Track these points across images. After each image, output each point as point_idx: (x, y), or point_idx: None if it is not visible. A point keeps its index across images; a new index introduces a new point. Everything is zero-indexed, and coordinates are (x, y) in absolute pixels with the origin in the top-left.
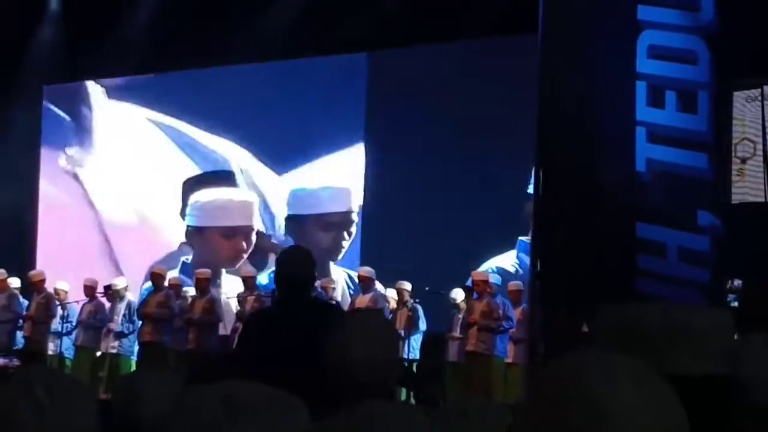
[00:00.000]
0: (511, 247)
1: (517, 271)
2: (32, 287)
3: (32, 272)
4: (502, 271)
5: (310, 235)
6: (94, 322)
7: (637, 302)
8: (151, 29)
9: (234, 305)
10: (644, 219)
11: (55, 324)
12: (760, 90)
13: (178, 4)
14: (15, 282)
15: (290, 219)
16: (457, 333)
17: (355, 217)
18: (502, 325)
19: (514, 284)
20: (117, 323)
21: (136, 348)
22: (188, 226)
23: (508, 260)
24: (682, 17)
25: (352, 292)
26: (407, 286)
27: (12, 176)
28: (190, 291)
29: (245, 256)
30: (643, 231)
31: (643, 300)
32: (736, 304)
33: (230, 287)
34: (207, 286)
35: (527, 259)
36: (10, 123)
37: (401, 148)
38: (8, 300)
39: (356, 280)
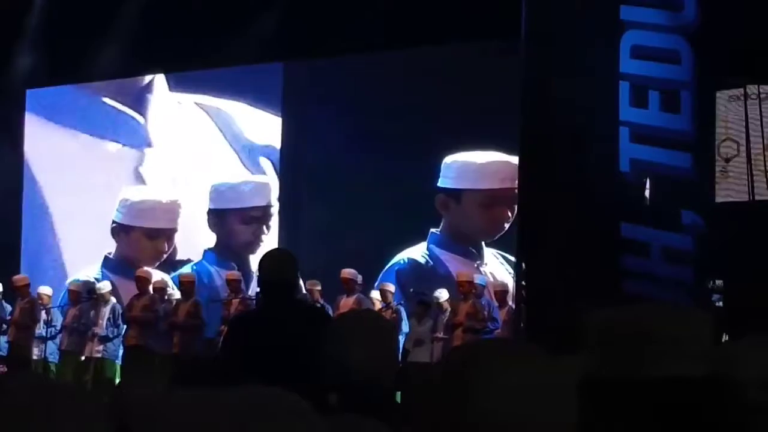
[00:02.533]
0: (423, 239)
1: (427, 262)
2: (16, 292)
3: (16, 277)
4: (413, 262)
5: (231, 229)
6: (79, 327)
7: (621, 304)
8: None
9: None
10: (628, 219)
11: (39, 329)
12: (742, 90)
13: (162, 8)
14: None
15: (212, 213)
16: (441, 334)
17: (273, 210)
18: (488, 326)
19: (499, 285)
20: (101, 327)
21: (121, 352)
22: (114, 221)
23: (418, 251)
24: (664, 17)
25: None
26: (391, 287)
27: None
28: (176, 294)
29: (165, 256)
30: (627, 231)
31: (627, 299)
32: (720, 303)
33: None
34: (192, 289)
35: (437, 251)
36: None
37: (316, 147)
38: None
39: None
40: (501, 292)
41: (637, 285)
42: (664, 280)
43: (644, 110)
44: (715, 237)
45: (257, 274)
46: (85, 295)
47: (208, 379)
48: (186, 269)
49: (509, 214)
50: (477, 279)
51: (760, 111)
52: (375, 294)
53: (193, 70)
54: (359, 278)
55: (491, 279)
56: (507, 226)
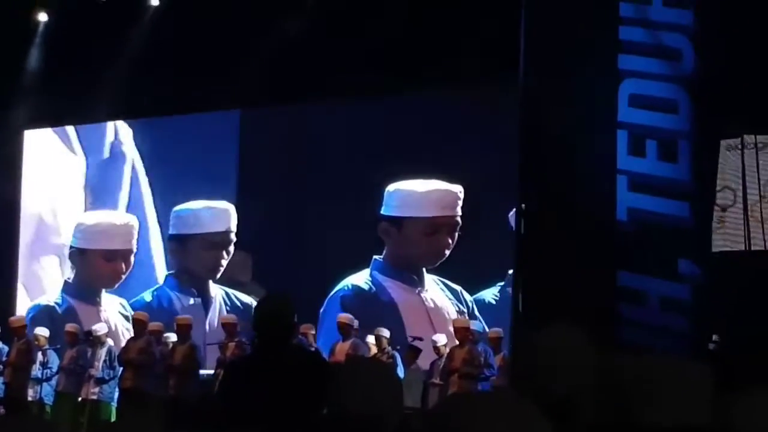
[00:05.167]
0: (366, 266)
1: (370, 288)
2: (13, 333)
3: (13, 318)
4: (357, 289)
5: (191, 255)
6: (76, 368)
7: (617, 353)
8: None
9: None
10: (625, 267)
11: (35, 370)
12: (740, 139)
13: (158, 53)
14: None
15: (172, 239)
16: (438, 380)
17: (233, 236)
18: (484, 373)
19: (494, 331)
20: (98, 369)
21: (117, 394)
22: (71, 246)
23: (362, 278)
24: (663, 66)
25: (228, 308)
26: (386, 333)
27: None
28: (172, 337)
29: (123, 277)
30: (624, 279)
31: (624, 349)
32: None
33: (109, 305)
34: (188, 332)
35: (380, 277)
36: None
37: (273, 178)
38: None
39: (233, 298)
40: (496, 339)
41: (633, 333)
42: (660, 329)
43: (642, 159)
44: (713, 287)
45: (253, 318)
46: (82, 337)
47: (205, 423)
48: (146, 294)
49: (450, 241)
50: (473, 325)
51: (757, 160)
52: (369, 338)
53: (156, 116)
54: (355, 323)
55: (432, 305)
56: (448, 252)
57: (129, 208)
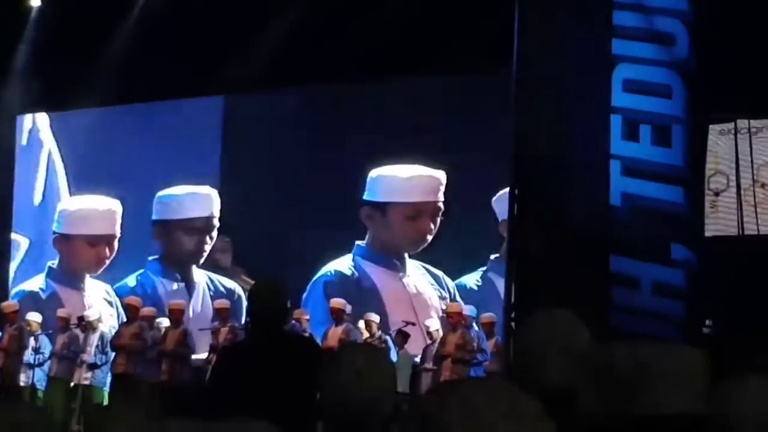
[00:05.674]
0: (349, 251)
1: (353, 273)
2: (5, 319)
3: (5, 303)
4: (339, 274)
5: (174, 240)
6: (68, 354)
7: (610, 339)
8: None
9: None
10: (618, 252)
11: (27, 355)
12: (733, 124)
13: (147, 39)
14: None
15: (156, 224)
16: (430, 365)
17: (216, 221)
18: (477, 358)
19: (487, 316)
20: (90, 354)
21: (109, 379)
22: (54, 232)
23: (344, 263)
24: (656, 51)
25: (212, 293)
26: (375, 318)
27: None
28: (164, 322)
29: (107, 262)
30: (617, 264)
31: (617, 335)
32: (712, 340)
33: (93, 291)
34: (180, 317)
35: (362, 262)
36: None
37: (256, 164)
38: None
39: (216, 283)
40: (489, 323)
41: (626, 319)
42: (654, 314)
43: (636, 144)
44: (707, 272)
45: (247, 303)
46: (74, 322)
47: (198, 409)
48: (130, 279)
49: (432, 226)
50: (466, 310)
51: (750, 145)
52: (359, 324)
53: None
54: (348, 308)
55: (414, 290)
56: (430, 238)
57: (44, 196)
